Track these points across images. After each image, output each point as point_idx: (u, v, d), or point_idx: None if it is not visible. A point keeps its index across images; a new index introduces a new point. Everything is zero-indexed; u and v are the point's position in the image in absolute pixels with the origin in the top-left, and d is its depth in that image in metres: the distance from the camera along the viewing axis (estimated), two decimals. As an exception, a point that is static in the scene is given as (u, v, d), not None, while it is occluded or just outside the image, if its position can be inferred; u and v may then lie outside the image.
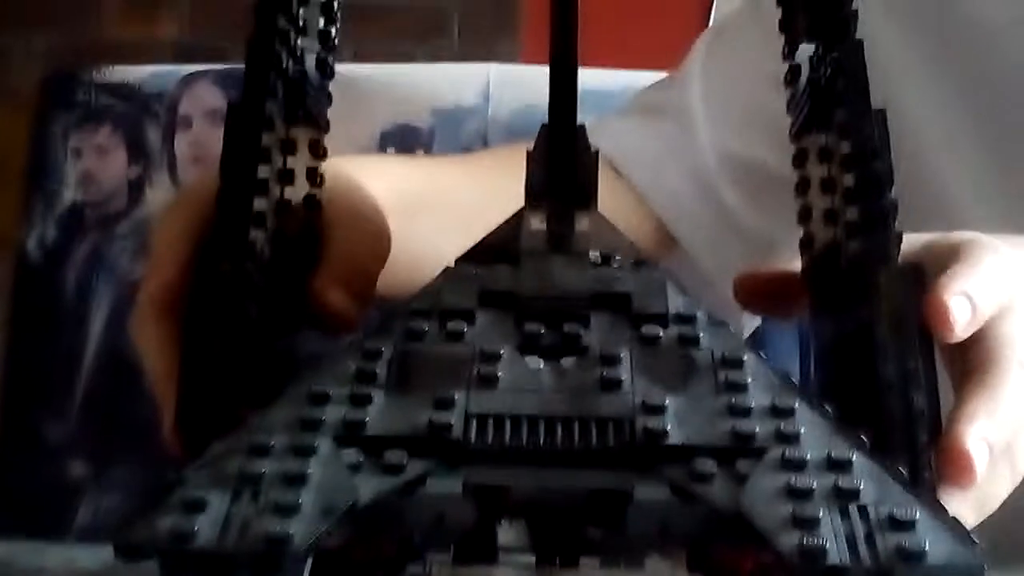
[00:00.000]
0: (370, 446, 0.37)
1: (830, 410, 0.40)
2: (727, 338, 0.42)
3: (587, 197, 0.46)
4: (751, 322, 0.84)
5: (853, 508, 0.35)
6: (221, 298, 0.44)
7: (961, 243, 0.47)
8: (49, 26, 2.38)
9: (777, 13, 0.48)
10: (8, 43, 2.39)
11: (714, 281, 0.77)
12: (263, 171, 0.45)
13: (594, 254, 0.44)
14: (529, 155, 0.46)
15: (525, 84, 1.04)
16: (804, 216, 0.48)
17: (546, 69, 0.43)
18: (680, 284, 0.44)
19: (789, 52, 0.48)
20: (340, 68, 0.50)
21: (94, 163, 1.07)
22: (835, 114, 0.44)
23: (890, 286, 0.42)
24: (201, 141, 1.06)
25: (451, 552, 0.39)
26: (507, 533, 0.39)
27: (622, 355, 0.40)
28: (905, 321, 0.42)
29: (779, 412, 0.38)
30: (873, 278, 0.42)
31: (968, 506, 0.43)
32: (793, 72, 0.48)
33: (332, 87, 0.50)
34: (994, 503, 0.44)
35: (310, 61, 0.48)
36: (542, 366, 0.40)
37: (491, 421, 0.38)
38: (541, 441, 0.38)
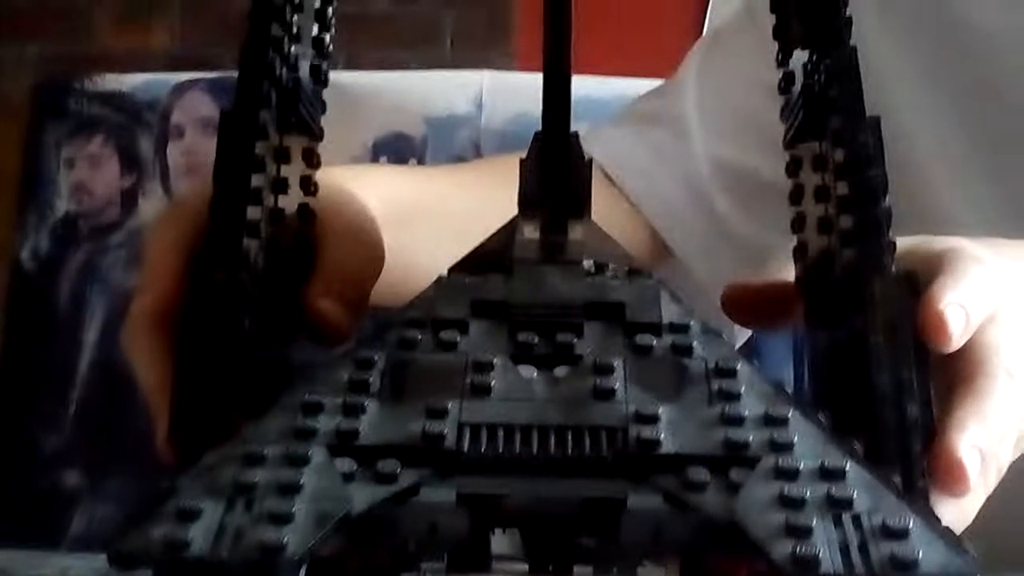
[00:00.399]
0: (363, 455, 0.37)
1: (824, 419, 0.40)
2: (720, 347, 0.42)
3: (581, 206, 0.46)
4: (744, 331, 0.84)
5: (846, 517, 0.35)
6: (215, 308, 0.43)
7: (945, 252, 0.47)
8: (41, 36, 2.38)
9: (771, 20, 0.48)
10: (0, 52, 2.39)
11: (707, 289, 0.77)
12: (256, 180, 0.44)
13: (587, 263, 0.44)
14: (522, 163, 0.46)
15: (518, 92, 1.04)
16: (798, 224, 0.48)
17: (539, 76, 0.43)
18: (674, 293, 0.43)
19: (783, 59, 0.48)
20: (333, 76, 0.50)
21: (87, 173, 1.07)
22: (829, 122, 0.44)
23: (884, 294, 0.42)
24: (193, 150, 1.06)
25: (445, 561, 0.39)
26: (501, 542, 0.39)
27: (615, 364, 0.40)
28: (899, 330, 0.42)
29: (772, 421, 0.38)
30: (867, 286, 0.42)
31: (954, 512, 0.43)
32: (787, 79, 0.48)
33: (325, 95, 0.50)
34: (976, 508, 0.44)
35: (304, 69, 0.48)
36: (535, 375, 0.40)
37: (484, 430, 0.38)
38: (534, 450, 0.37)
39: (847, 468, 0.37)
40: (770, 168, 0.72)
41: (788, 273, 0.49)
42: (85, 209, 1.06)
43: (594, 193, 0.46)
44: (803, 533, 0.35)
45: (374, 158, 1.04)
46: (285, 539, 0.34)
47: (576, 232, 0.45)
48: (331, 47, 0.49)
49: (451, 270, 0.45)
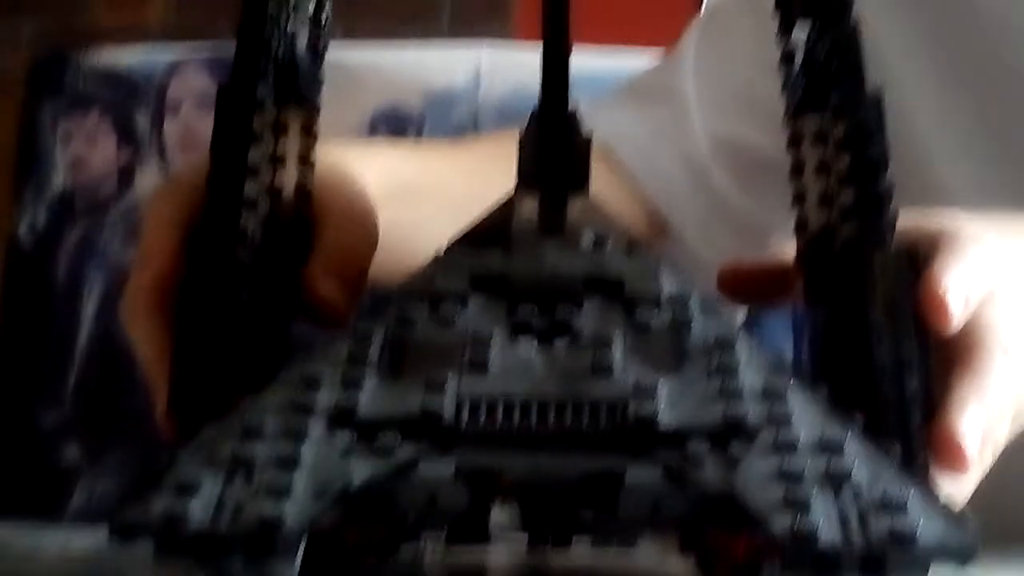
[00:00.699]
0: (362, 429, 0.37)
1: (823, 393, 0.40)
2: (720, 321, 0.42)
3: (580, 181, 0.46)
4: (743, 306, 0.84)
5: (845, 490, 0.35)
6: (213, 282, 0.43)
7: (943, 231, 0.47)
8: (37, 10, 2.37)
9: (771, -5, 0.47)
10: (-4, 27, 2.38)
11: (706, 266, 0.76)
12: (254, 154, 0.44)
13: (587, 238, 0.44)
14: (520, 139, 0.45)
15: (517, 65, 1.04)
16: (798, 199, 0.48)
17: (538, 50, 0.43)
18: (674, 267, 0.43)
19: (785, 32, 0.47)
20: (330, 50, 0.49)
21: (83, 149, 1.07)
22: (831, 95, 0.44)
23: (884, 270, 0.42)
24: (190, 126, 1.06)
25: (444, 533, 0.39)
26: (499, 514, 0.39)
27: (614, 338, 0.40)
28: (899, 305, 0.43)
29: (771, 395, 0.38)
30: (867, 262, 0.42)
31: (952, 489, 0.43)
32: (788, 52, 0.48)
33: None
34: (973, 485, 0.45)
35: (301, 43, 0.48)
36: (534, 350, 0.40)
37: (483, 404, 0.38)
38: (533, 424, 0.37)
39: (846, 441, 0.37)
40: (770, 145, 0.72)
41: (785, 252, 0.49)
42: (82, 184, 1.06)
43: (593, 169, 0.46)
44: (802, 506, 0.35)
45: (371, 132, 1.04)
46: (284, 513, 0.34)
47: (575, 207, 0.45)
48: (329, 21, 0.49)
49: (450, 245, 0.45)
